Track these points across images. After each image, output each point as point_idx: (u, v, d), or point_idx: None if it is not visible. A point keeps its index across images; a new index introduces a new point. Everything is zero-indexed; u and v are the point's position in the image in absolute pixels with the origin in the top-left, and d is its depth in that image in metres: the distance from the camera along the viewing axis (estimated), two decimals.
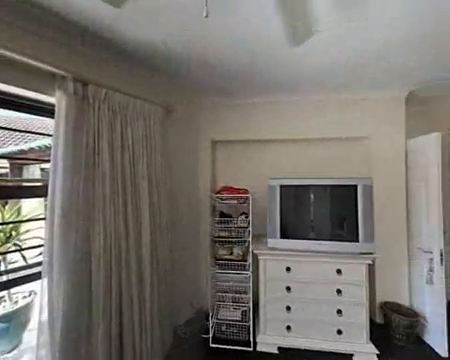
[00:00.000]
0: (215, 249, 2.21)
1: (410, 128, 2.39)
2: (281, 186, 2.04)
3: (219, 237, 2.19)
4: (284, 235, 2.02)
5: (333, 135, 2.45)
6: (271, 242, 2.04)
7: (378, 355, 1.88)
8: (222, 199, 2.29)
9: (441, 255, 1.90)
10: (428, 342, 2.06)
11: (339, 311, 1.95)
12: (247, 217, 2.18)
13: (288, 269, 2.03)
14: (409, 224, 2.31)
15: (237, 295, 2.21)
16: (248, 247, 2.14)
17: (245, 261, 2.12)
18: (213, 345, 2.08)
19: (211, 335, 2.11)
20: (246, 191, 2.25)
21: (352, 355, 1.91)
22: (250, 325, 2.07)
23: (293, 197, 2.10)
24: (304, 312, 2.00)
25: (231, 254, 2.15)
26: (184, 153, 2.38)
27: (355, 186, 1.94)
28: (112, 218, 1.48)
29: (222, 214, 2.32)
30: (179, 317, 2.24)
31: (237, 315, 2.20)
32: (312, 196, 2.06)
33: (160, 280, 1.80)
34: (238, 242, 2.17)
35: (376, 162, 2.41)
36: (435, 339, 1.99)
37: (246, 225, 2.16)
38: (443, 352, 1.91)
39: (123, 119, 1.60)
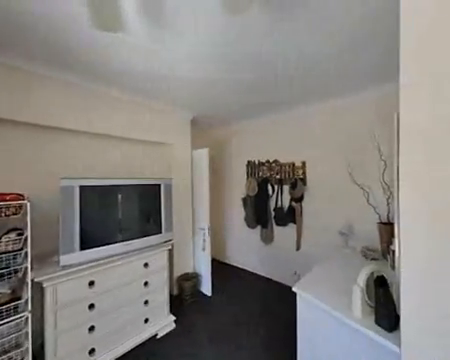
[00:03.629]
0: None
1: (196, 143, 3.32)
2: (81, 187, 1.71)
3: None
4: (85, 245, 1.71)
5: (138, 137, 2.58)
6: (66, 259, 1.62)
7: (175, 320, 2.35)
8: None
9: (208, 229, 2.89)
10: (202, 291, 3.01)
11: (146, 302, 2.11)
12: (21, 234, 1.51)
13: (91, 283, 1.76)
14: (194, 211, 3.19)
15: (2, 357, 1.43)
16: (24, 277, 1.49)
17: (18, 299, 1.45)
18: None
19: None
20: (19, 196, 1.54)
21: (156, 335, 2.18)
22: None
23: (97, 199, 1.86)
24: (111, 323, 1.87)
25: None
26: None
27: (159, 185, 2.23)
28: None
29: None
30: None
31: None
32: (120, 197, 2.00)
33: None
34: (2, 276, 1.42)
35: (175, 165, 2.98)
36: (205, 286, 2.97)
37: (19, 246, 1.48)
38: (209, 292, 2.92)
39: None
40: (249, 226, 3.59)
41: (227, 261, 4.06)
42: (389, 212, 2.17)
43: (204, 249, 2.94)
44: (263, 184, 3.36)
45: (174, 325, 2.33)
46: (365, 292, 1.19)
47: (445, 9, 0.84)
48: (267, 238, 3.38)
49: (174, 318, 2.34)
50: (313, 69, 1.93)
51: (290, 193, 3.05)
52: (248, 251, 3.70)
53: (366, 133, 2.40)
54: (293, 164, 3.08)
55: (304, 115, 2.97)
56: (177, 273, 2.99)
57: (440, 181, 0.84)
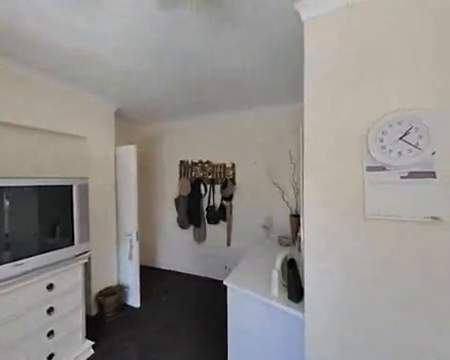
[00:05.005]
0: None
1: (123, 138, 2.93)
2: None
3: None
4: None
5: (44, 126, 2.04)
6: None
7: (94, 345, 2.00)
8: None
9: (136, 234, 2.63)
10: (129, 304, 2.70)
11: (51, 333, 1.68)
12: None
13: None
14: (118, 215, 2.81)
15: None
16: None
17: None
18: None
19: None
20: None
21: None
22: None
23: None
24: None
25: None
26: None
27: (70, 186, 1.83)
28: None
29: None
30: None
31: None
32: (7, 202, 1.50)
33: None
34: None
35: (92, 163, 2.53)
36: (133, 298, 2.68)
37: None
38: (137, 304, 2.66)
39: None
40: (182, 227, 3.53)
41: (158, 266, 3.83)
42: (297, 206, 2.68)
43: (131, 257, 2.65)
44: (196, 184, 3.39)
45: (92, 351, 1.97)
46: (280, 274, 1.42)
47: (343, 49, 1.12)
48: (200, 237, 3.43)
49: (92, 343, 1.98)
50: (240, 79, 2.13)
51: (221, 192, 3.23)
52: (181, 252, 3.63)
53: (281, 140, 2.87)
54: (224, 165, 3.27)
55: (233, 120, 3.21)
56: (97, 289, 2.55)
57: (330, 180, 1.12)
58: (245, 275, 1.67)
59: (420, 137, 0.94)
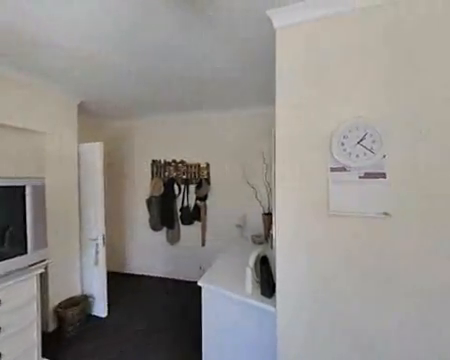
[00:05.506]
0: None
1: (83, 135, 2.68)
2: None
3: None
4: None
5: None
6: None
7: None
8: None
9: (103, 238, 2.44)
10: (95, 314, 2.49)
11: None
12: None
13: None
14: (82, 218, 2.57)
15: None
16: None
17: None
18: None
19: None
20: None
21: None
22: None
23: None
24: None
25: None
26: None
27: (23, 187, 1.61)
28: None
29: None
30: None
31: None
32: None
33: None
34: None
35: (52, 161, 2.27)
36: (99, 307, 2.48)
37: None
38: (103, 313, 2.47)
39: None
40: (154, 228, 3.39)
41: (129, 271, 3.61)
42: (269, 205, 2.78)
43: (97, 263, 2.45)
44: (169, 184, 3.29)
45: None
46: (254, 271, 1.46)
47: (309, 59, 1.19)
48: (173, 238, 3.34)
49: None
50: (213, 79, 2.13)
51: (196, 192, 3.19)
52: (153, 255, 3.48)
53: (255, 141, 2.96)
54: (199, 165, 3.24)
55: (208, 120, 3.20)
56: (56, 301, 2.30)
57: (300, 180, 1.19)
58: (219, 274, 1.68)
59: (374, 142, 1.05)
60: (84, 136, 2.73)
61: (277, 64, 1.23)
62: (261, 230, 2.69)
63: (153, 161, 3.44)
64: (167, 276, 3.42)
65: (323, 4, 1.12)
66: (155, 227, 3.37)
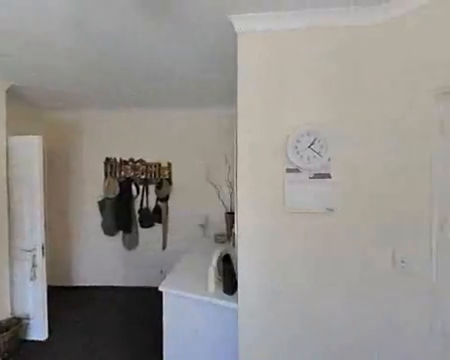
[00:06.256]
0: None
1: (16, 126, 2.23)
2: None
3: None
4: None
5: None
6: None
7: None
8: None
9: (42, 249, 2.08)
10: (32, 338, 2.11)
11: None
12: None
13: None
14: (12, 226, 2.14)
15: None
16: None
17: None
18: None
19: None
20: None
21: None
22: None
23: None
24: None
25: None
26: None
27: None
28: None
29: None
30: None
31: None
32: None
33: None
34: None
35: None
36: (37, 329, 2.11)
37: None
38: (43, 336, 2.11)
39: None
40: (108, 233, 3.07)
41: (77, 284, 3.18)
42: (231, 204, 2.85)
43: (34, 278, 2.08)
44: (126, 184, 3.04)
45: None
46: (216, 270, 1.46)
47: (268, 68, 1.25)
48: (131, 243, 3.09)
49: None
50: (174, 77, 2.07)
51: (156, 193, 3.03)
52: (108, 263, 3.16)
53: (218, 141, 2.98)
54: (159, 164, 3.09)
55: (171, 118, 3.08)
56: None
57: (260, 180, 1.25)
58: (182, 277, 1.63)
59: (321, 146, 1.19)
60: (17, 128, 2.28)
61: (238, 68, 1.26)
62: (223, 229, 2.72)
63: (107, 159, 3.12)
64: (125, 285, 3.14)
65: (282, 18, 1.20)
66: (109, 231, 3.06)
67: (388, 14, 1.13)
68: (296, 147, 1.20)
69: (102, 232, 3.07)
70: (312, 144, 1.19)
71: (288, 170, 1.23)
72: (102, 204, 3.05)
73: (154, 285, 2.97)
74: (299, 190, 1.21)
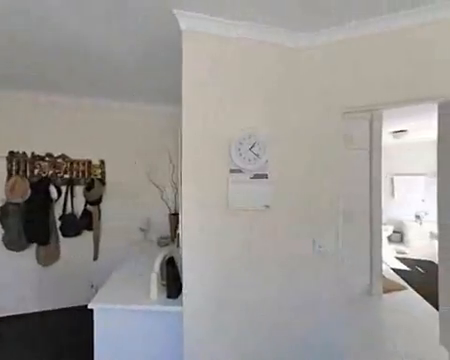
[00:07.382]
0: None
1: None
2: None
3: None
4: None
5: None
6: None
7: None
8: None
9: None
10: None
11: None
12: None
13: None
14: None
15: None
16: None
17: None
18: None
19: None
20: None
21: None
22: None
23: None
24: None
25: None
26: None
27: None
28: None
29: None
30: None
31: None
32: None
33: None
34: None
35: None
36: None
37: None
38: None
39: None
40: (13, 248, 2.41)
41: None
42: (176, 204, 2.76)
43: None
44: (41, 185, 2.46)
45: None
46: (159, 275, 1.39)
47: (213, 70, 1.26)
48: (49, 257, 2.53)
49: None
50: (117, 70, 1.84)
51: (85, 195, 2.60)
52: (13, 286, 2.47)
53: (161, 140, 2.82)
54: (90, 162, 2.66)
55: (105, 110, 2.70)
56: None
57: (204, 180, 1.26)
58: (118, 289, 1.46)
59: (260, 149, 1.31)
60: None
61: (184, 66, 1.24)
62: (168, 231, 2.61)
63: (12, 154, 2.44)
64: (41, 309, 2.54)
65: (231, 26, 1.24)
66: (15, 246, 2.40)
67: (312, 42, 1.36)
68: (239, 149, 1.28)
69: (4, 247, 2.38)
70: (252, 147, 1.30)
71: (232, 171, 1.29)
72: (3, 211, 2.36)
73: (82, 302, 2.58)
74: (241, 190, 1.30)
